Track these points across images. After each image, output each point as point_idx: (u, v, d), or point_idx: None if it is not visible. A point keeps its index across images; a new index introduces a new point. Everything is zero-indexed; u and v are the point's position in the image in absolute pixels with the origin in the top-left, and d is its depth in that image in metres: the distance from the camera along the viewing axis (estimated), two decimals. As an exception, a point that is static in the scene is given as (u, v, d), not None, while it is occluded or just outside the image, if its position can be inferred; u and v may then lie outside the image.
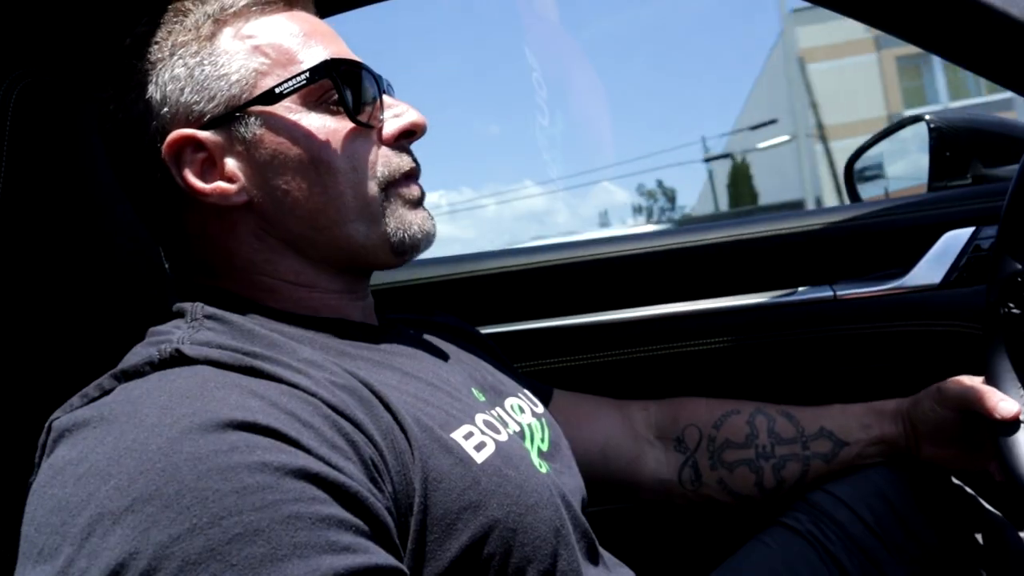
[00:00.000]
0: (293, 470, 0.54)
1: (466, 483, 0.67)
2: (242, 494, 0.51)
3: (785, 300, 1.27)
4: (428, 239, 0.81)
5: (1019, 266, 0.91)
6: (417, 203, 0.81)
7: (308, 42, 0.77)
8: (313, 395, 0.62)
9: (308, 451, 0.56)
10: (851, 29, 20.26)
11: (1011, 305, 0.91)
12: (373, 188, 0.77)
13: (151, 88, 0.74)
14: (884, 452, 1.00)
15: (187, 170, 0.73)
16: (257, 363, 0.63)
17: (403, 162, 0.80)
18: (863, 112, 20.66)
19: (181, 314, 0.73)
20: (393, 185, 0.79)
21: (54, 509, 0.53)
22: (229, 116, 0.74)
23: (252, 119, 0.74)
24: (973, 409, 0.88)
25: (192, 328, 0.69)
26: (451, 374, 0.82)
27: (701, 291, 1.28)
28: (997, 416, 0.85)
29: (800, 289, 1.28)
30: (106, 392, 0.62)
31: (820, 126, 19.85)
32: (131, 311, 0.92)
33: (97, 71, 0.90)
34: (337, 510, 0.55)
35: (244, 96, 0.74)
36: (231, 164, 0.74)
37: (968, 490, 0.99)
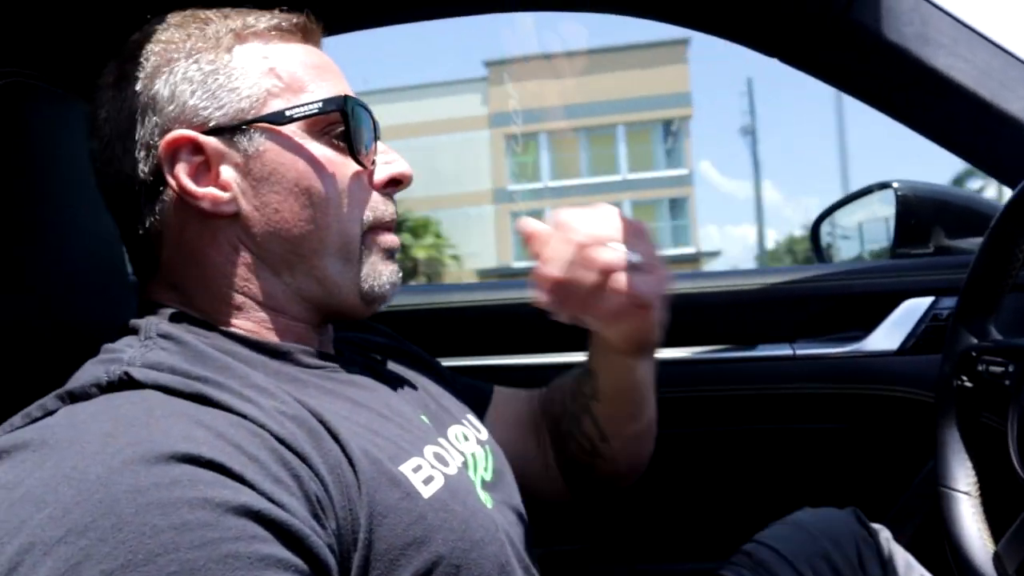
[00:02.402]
0: (235, 507, 0.53)
1: (412, 518, 0.66)
2: (181, 531, 0.50)
3: (745, 355, 1.28)
4: (394, 290, 0.83)
5: (974, 341, 0.93)
6: (392, 254, 0.83)
7: (320, 75, 0.79)
8: (261, 426, 0.61)
9: (252, 486, 0.55)
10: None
11: (964, 378, 0.93)
12: (356, 229, 0.79)
13: (159, 84, 0.74)
14: None
15: (180, 170, 0.73)
16: (207, 390, 0.62)
17: (388, 210, 0.82)
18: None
19: (135, 330, 0.72)
20: (373, 232, 0.81)
21: None
22: (234, 127, 0.75)
23: (256, 134, 0.75)
24: None
25: (144, 347, 0.68)
26: (401, 403, 0.82)
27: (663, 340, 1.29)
28: None
29: (760, 345, 1.29)
30: (49, 413, 0.61)
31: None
32: (86, 320, 0.91)
33: (84, 71, 0.90)
34: (277, 549, 0.54)
35: (252, 112, 0.75)
36: (227, 173, 0.75)
37: (906, 553, 1.01)
